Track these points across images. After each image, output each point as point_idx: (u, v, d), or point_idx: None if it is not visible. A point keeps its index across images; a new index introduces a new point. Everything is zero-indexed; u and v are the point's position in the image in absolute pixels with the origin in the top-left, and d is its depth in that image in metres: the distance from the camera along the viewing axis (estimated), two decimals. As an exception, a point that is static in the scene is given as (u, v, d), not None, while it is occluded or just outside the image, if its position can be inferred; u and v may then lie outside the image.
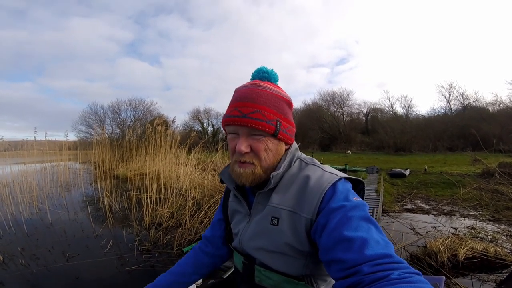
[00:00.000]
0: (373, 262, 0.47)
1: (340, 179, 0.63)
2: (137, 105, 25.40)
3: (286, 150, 0.72)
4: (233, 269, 0.96)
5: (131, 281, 2.36)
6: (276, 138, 0.67)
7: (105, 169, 6.38)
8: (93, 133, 20.43)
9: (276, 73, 0.73)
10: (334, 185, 0.61)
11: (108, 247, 3.01)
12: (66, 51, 61.10)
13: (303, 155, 0.74)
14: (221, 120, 0.71)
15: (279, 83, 0.74)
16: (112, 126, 24.14)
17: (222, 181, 0.80)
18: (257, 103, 0.64)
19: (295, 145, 0.74)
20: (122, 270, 2.52)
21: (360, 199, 0.61)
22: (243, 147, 0.64)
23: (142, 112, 25.33)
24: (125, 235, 3.39)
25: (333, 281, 0.68)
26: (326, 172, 0.65)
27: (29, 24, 62.43)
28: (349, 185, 0.64)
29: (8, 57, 54.91)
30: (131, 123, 23.59)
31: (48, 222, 4.01)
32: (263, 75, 0.71)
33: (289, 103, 0.70)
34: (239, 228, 0.76)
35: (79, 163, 10.64)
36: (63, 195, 5.81)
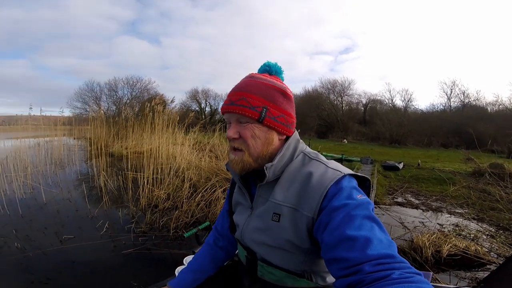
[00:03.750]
0: (375, 262, 0.47)
1: (344, 176, 0.62)
2: (134, 83, 24.86)
3: (284, 141, 0.71)
4: (234, 257, 0.98)
5: (128, 264, 2.38)
6: (263, 125, 0.66)
7: (100, 146, 6.33)
8: (88, 110, 20.08)
9: (279, 67, 0.74)
10: (337, 182, 0.61)
11: (104, 229, 3.02)
12: (63, 29, 59.48)
13: (308, 149, 0.73)
14: (219, 102, 0.73)
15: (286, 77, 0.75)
16: (108, 103, 23.72)
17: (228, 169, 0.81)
18: (243, 91, 0.66)
19: (295, 136, 0.73)
20: (119, 253, 2.54)
21: (365, 196, 0.60)
22: (231, 133, 0.67)
23: (140, 90, 24.82)
24: (121, 216, 3.40)
25: (331, 277, 0.70)
26: (329, 169, 0.64)
27: (26, 1, 59.35)
28: (354, 182, 0.63)
29: (3, 35, 52.88)
30: (128, 101, 23.17)
31: (42, 201, 3.97)
32: (265, 68, 0.74)
33: (283, 92, 0.69)
34: (240, 220, 0.77)
35: (74, 138, 10.51)
36: (57, 173, 5.76)
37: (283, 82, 0.73)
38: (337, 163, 0.69)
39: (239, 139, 0.67)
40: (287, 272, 0.67)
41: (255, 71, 0.76)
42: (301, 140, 0.75)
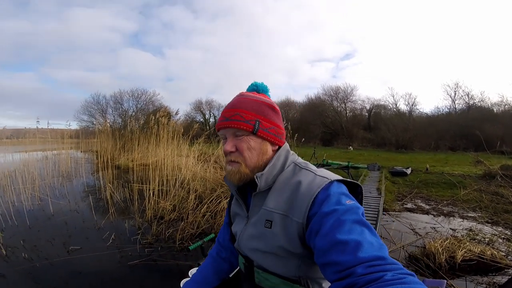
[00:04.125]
0: (367, 264, 0.48)
1: (332, 182, 0.64)
2: (139, 96, 25.41)
3: (276, 151, 0.75)
4: (238, 268, 0.99)
5: (134, 275, 2.37)
6: (258, 137, 0.71)
7: (106, 159, 6.40)
8: (95, 123, 20.49)
9: (265, 86, 0.81)
10: (325, 189, 0.62)
11: (111, 241, 3.03)
12: (69, 42, 61.39)
13: (299, 160, 0.76)
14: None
15: (278, 97, 0.80)
16: (114, 116, 24.19)
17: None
18: (237, 108, 0.72)
19: (286, 147, 0.77)
20: (125, 264, 2.54)
21: (354, 201, 0.61)
22: (229, 146, 0.71)
23: (144, 102, 25.32)
24: (127, 227, 3.41)
25: (328, 284, 0.70)
26: (318, 176, 0.66)
27: (32, 14, 62.41)
28: (342, 188, 0.65)
29: (10, 48, 55.30)
30: (133, 113, 23.58)
31: (49, 213, 4.02)
32: (252, 88, 0.80)
33: (272, 107, 0.75)
34: (238, 230, 0.79)
35: (81, 151, 10.67)
36: (64, 185, 5.85)
37: (270, 98, 0.80)
38: (326, 171, 0.72)
39: (236, 152, 0.71)
40: (282, 278, 0.68)
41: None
42: (291, 151, 0.79)
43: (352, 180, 0.70)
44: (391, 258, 0.50)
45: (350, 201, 0.61)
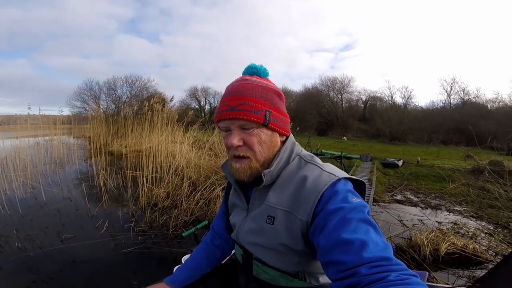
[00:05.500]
0: (371, 264, 0.48)
1: (339, 179, 0.62)
2: (133, 82, 24.78)
3: (283, 142, 0.72)
4: (231, 255, 1.01)
5: (128, 263, 2.40)
6: (268, 129, 0.66)
7: (99, 145, 6.32)
8: (87, 109, 20.06)
9: (265, 69, 0.73)
10: (332, 186, 0.61)
11: (104, 228, 3.03)
12: (62, 28, 60.03)
13: (304, 152, 0.73)
14: (219, 99, 0.71)
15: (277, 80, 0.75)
16: (107, 102, 23.66)
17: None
18: (244, 96, 0.64)
19: (292, 139, 0.73)
20: (119, 252, 2.56)
21: (360, 199, 0.60)
22: (235, 140, 0.64)
23: (139, 88, 24.76)
24: (121, 215, 3.41)
25: (326, 278, 0.71)
26: (324, 172, 0.64)
27: (25, 2, 59.76)
28: (349, 185, 0.63)
29: (2, 35, 53.31)
30: (127, 99, 23.13)
31: (42, 201, 3.98)
32: (252, 71, 0.72)
33: (279, 94, 0.70)
34: (236, 221, 0.78)
35: (73, 137, 10.51)
36: (57, 172, 5.78)
37: (273, 84, 0.73)
38: (332, 166, 0.69)
39: (243, 146, 0.66)
40: (281, 272, 0.68)
41: None
42: (296, 143, 0.75)
43: (358, 178, 0.68)
44: (395, 258, 0.50)
45: (357, 199, 0.59)
